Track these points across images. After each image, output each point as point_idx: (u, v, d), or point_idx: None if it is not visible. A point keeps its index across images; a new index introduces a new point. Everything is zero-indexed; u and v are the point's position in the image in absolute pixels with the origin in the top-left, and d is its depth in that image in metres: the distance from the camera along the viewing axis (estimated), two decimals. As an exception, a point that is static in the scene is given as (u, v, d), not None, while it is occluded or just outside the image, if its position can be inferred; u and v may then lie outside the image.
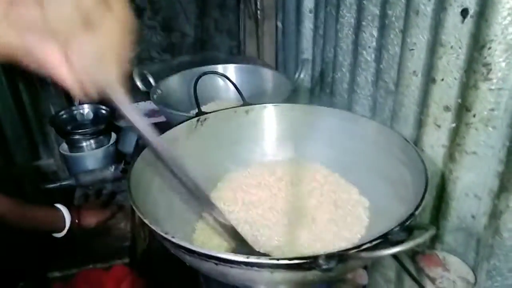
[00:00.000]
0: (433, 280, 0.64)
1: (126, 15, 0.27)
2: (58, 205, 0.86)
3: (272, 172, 0.72)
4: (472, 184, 0.64)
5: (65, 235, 0.85)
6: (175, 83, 1.06)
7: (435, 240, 0.73)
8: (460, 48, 0.61)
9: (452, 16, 0.60)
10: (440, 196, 0.70)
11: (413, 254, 0.70)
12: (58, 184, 1.10)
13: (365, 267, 0.64)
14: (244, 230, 0.64)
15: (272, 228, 0.64)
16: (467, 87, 0.60)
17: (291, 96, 0.97)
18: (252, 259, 0.41)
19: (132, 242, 0.88)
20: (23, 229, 0.77)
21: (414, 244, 0.39)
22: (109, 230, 0.93)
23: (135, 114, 0.31)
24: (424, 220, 0.74)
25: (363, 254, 0.39)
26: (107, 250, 0.87)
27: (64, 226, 0.84)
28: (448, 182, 0.67)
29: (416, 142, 0.72)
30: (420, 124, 0.71)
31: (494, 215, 0.60)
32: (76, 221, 0.87)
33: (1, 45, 0.24)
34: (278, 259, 0.41)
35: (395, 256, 0.67)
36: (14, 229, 0.76)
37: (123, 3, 0.27)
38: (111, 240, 0.90)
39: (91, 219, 0.90)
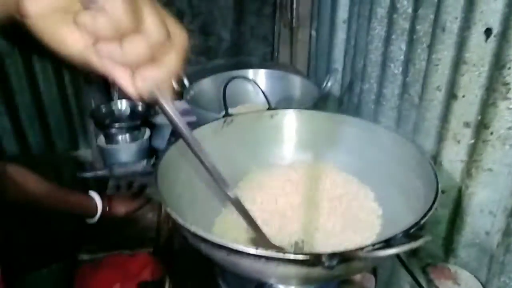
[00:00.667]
0: (441, 292, 0.65)
1: (185, 46, 0.34)
2: (92, 193, 0.92)
3: (291, 174, 0.76)
4: (487, 200, 0.65)
5: (96, 221, 0.91)
6: (207, 85, 1.11)
7: (448, 253, 0.74)
8: (482, 66, 0.62)
9: (476, 35, 0.62)
10: (456, 211, 0.71)
11: (424, 266, 0.72)
12: (93, 173, 1.18)
13: (374, 273, 0.66)
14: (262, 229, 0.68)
15: (287, 228, 0.68)
16: (486, 105, 0.62)
17: (319, 103, 1.00)
18: (260, 252, 0.44)
19: (157, 233, 0.93)
20: (58, 212, 0.84)
21: (408, 248, 0.41)
22: (137, 220, 0.98)
23: (176, 112, 0.37)
24: (440, 233, 0.75)
25: (362, 254, 0.42)
26: (134, 239, 0.92)
27: (96, 213, 0.90)
28: (464, 197, 0.69)
29: (436, 156, 0.73)
30: (440, 138, 0.72)
31: (507, 232, 0.61)
32: (107, 208, 0.93)
33: (84, 61, 0.31)
34: (284, 253, 0.44)
35: (405, 266, 0.69)
36: (50, 211, 0.83)
37: (184, 38, 0.34)
38: (138, 230, 0.95)
39: (121, 209, 0.96)
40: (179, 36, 0.33)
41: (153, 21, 0.30)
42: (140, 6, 0.29)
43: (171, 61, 0.33)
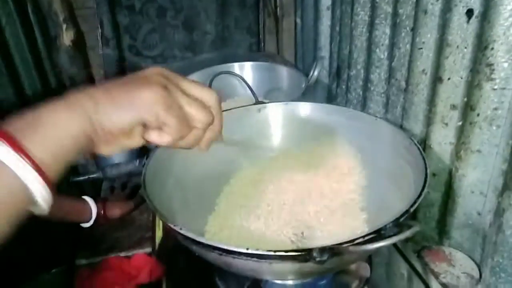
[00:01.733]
0: (436, 275, 0.66)
1: (219, 103, 0.43)
2: (85, 197, 0.91)
3: (282, 168, 0.75)
4: (477, 181, 0.65)
5: (91, 225, 0.90)
6: (194, 82, 1.10)
7: (442, 235, 0.74)
8: (465, 48, 0.62)
9: (458, 16, 0.61)
10: (448, 193, 0.71)
11: (419, 250, 0.72)
12: (86, 177, 1.16)
13: (370, 261, 0.66)
14: (255, 224, 0.67)
15: (282, 222, 0.67)
16: (471, 86, 0.61)
17: (307, 92, 1.00)
18: (251, 251, 0.44)
19: (153, 233, 0.93)
20: (52, 219, 0.83)
21: (398, 239, 0.41)
22: (133, 221, 0.98)
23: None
24: (433, 216, 0.75)
25: (352, 248, 0.42)
26: (130, 240, 0.92)
27: (91, 217, 0.90)
28: (454, 179, 0.69)
29: (425, 139, 0.73)
30: (429, 121, 0.72)
31: (498, 212, 0.61)
32: (102, 212, 0.92)
33: None
34: (275, 251, 0.44)
35: (400, 252, 0.69)
36: (44, 219, 0.83)
37: (216, 97, 0.42)
38: (134, 231, 0.95)
39: (116, 211, 0.96)
40: (211, 97, 0.42)
41: (195, 111, 0.40)
42: (184, 110, 0.39)
43: (218, 121, 0.42)
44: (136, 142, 0.40)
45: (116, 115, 0.37)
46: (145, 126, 0.39)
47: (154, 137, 0.39)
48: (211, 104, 0.42)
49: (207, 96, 0.42)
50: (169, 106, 0.38)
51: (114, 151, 0.39)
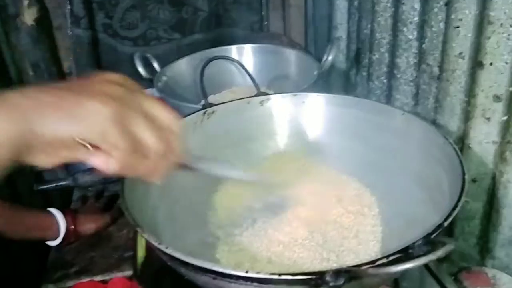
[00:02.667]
0: (477, 302, 0.66)
1: (178, 127, 0.44)
2: (52, 209, 0.92)
3: (287, 172, 0.76)
4: (527, 189, 0.66)
5: (60, 243, 0.91)
6: (182, 68, 1.10)
7: (484, 254, 0.74)
8: (511, 26, 0.62)
9: (503, -12, 0.62)
10: (490, 203, 0.71)
11: (456, 272, 0.72)
12: (54, 184, 1.17)
13: (396, 285, 0.67)
14: (256, 243, 0.68)
15: (288, 237, 0.68)
16: (519, 73, 0.62)
17: (320, 81, 1.00)
18: (251, 274, 0.45)
19: (134, 252, 0.93)
20: (10, 236, 0.83)
21: (427, 260, 0.41)
22: (110, 238, 0.98)
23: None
24: (473, 231, 0.76)
25: (373, 271, 0.42)
26: (107, 261, 0.92)
27: (58, 233, 0.90)
28: (499, 186, 0.69)
29: (463, 137, 0.73)
30: (467, 116, 0.72)
31: (552, 226, 0.62)
32: (72, 227, 0.92)
33: None
34: (280, 274, 0.44)
35: (433, 275, 0.69)
36: (3, 237, 0.83)
37: (175, 121, 0.43)
38: (111, 250, 0.95)
39: (89, 225, 0.96)
40: (169, 117, 0.42)
41: (150, 139, 0.40)
42: (139, 135, 0.39)
43: (176, 148, 0.43)
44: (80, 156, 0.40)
45: (58, 124, 0.37)
46: (91, 145, 0.38)
47: (97, 161, 0.39)
48: (169, 126, 0.42)
49: (165, 116, 0.42)
50: (122, 126, 0.38)
51: (54, 163, 0.39)
